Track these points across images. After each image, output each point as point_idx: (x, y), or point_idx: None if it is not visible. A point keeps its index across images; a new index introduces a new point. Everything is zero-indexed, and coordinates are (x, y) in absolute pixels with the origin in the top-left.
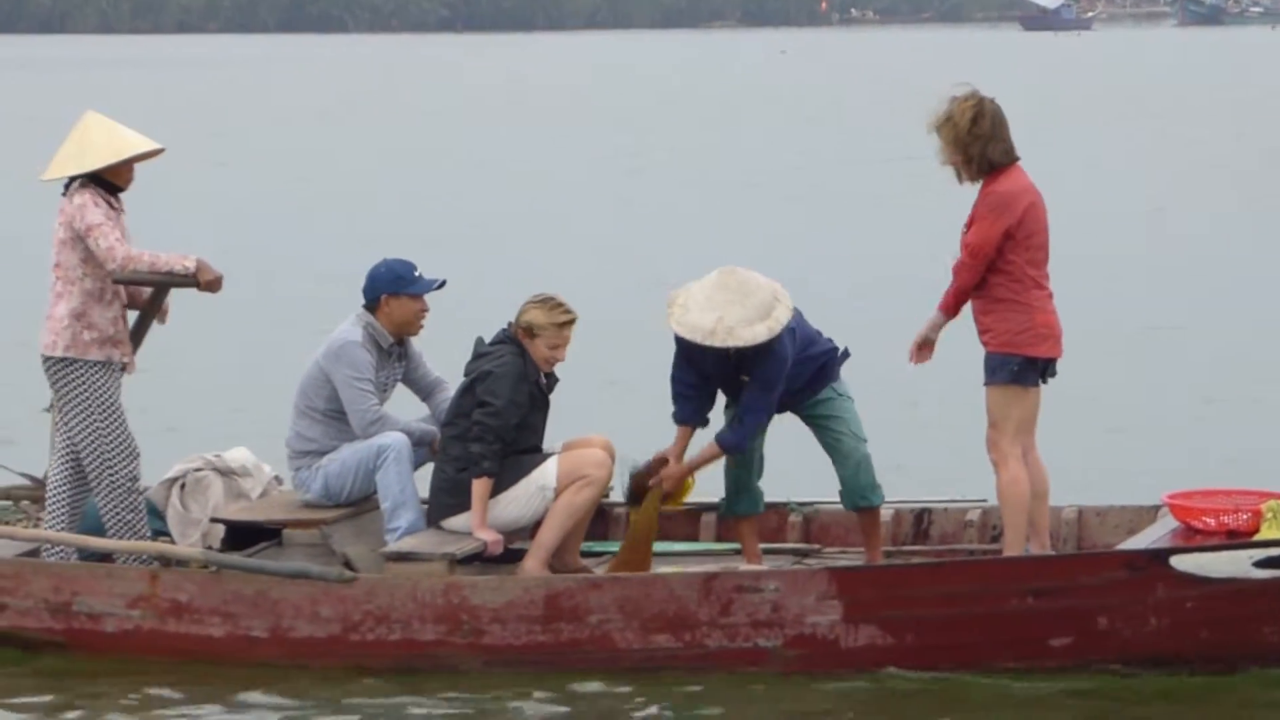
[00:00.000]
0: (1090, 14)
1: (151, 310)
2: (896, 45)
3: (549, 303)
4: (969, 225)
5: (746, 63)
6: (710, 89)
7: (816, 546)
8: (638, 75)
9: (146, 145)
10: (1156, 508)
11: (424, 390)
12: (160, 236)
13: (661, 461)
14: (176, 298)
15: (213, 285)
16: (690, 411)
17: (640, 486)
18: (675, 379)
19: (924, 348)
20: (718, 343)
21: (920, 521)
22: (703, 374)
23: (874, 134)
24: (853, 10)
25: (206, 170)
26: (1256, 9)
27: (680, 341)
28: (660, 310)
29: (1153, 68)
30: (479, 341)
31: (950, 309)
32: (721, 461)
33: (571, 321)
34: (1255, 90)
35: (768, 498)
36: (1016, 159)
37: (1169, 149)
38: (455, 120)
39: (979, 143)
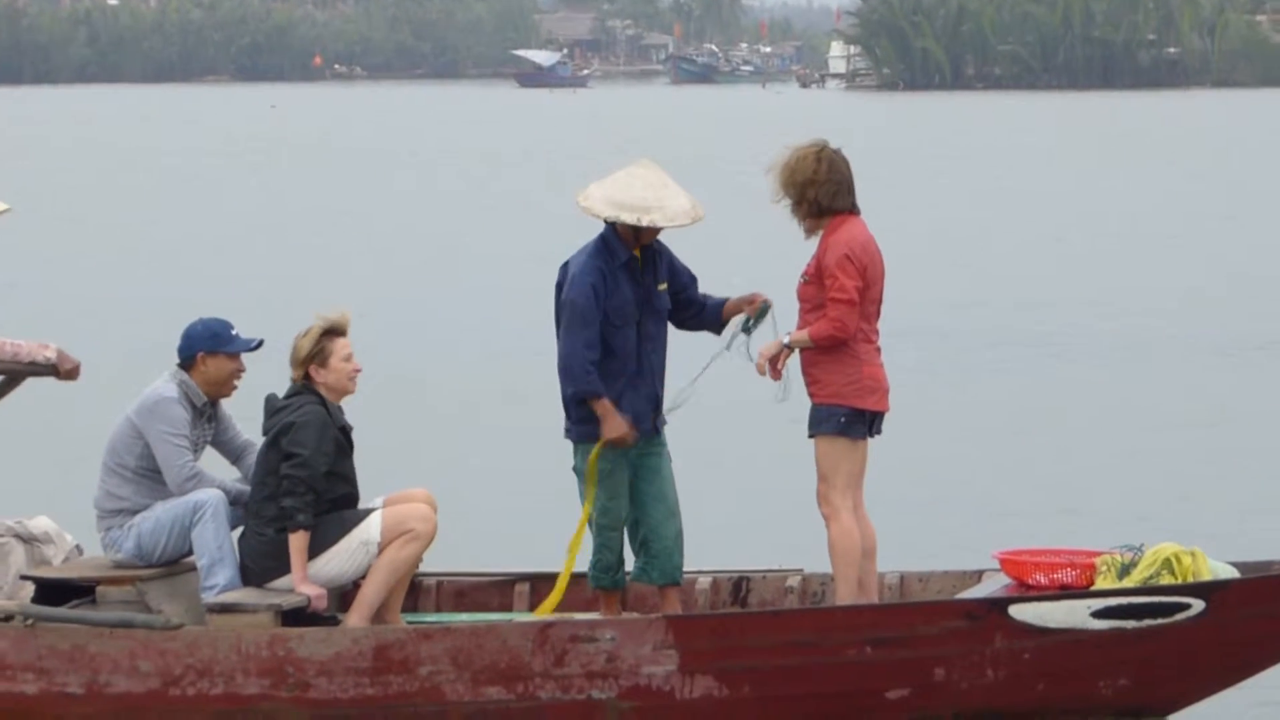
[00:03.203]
0: (586, 71)
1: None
2: (390, 101)
3: (310, 329)
4: (809, 275)
5: (236, 117)
6: (201, 144)
7: (634, 614)
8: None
9: None
10: (980, 572)
11: (233, 453)
12: None
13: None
14: None
15: (72, 374)
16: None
17: None
18: (588, 344)
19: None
20: (702, 214)
21: (739, 589)
22: (614, 312)
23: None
24: (337, 65)
25: None
26: (747, 68)
27: (594, 290)
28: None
29: (651, 122)
30: (271, 398)
31: (820, 340)
32: (600, 534)
33: (343, 325)
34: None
35: (581, 563)
36: (851, 208)
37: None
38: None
39: (813, 187)
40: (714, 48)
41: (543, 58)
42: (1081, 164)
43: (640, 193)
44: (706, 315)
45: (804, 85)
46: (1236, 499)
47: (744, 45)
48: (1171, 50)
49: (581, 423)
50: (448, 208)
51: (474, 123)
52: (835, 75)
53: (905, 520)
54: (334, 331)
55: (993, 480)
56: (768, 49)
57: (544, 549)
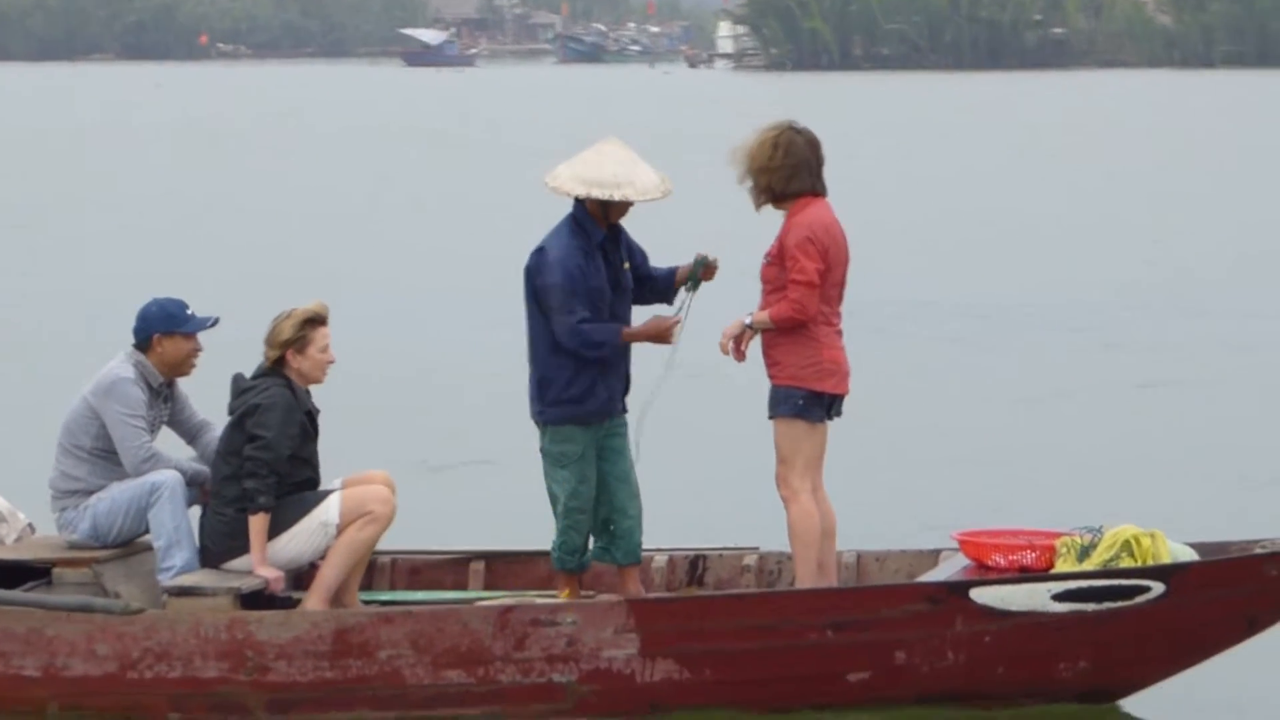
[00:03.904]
0: (473, 50)
1: None
2: (277, 80)
3: (292, 314)
4: (772, 256)
5: (121, 97)
6: (86, 122)
7: (591, 592)
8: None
9: None
10: (936, 552)
11: (190, 433)
12: None
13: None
14: None
15: None
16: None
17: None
18: (583, 320)
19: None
20: (671, 188)
21: (695, 567)
22: (593, 293)
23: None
24: (219, 45)
25: None
26: (635, 47)
27: (580, 270)
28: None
29: (539, 102)
30: (238, 378)
31: (780, 322)
32: (568, 516)
33: (325, 315)
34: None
35: (537, 542)
36: (814, 190)
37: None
38: None
39: (766, 175)
40: (601, 27)
41: (430, 36)
42: (978, 143)
43: (611, 169)
44: (659, 287)
45: (692, 65)
46: (1193, 479)
47: (631, 25)
48: (1058, 31)
49: (554, 405)
50: (347, 187)
51: (364, 101)
52: (723, 55)
53: (862, 499)
54: (317, 320)
55: (950, 459)
56: (655, 29)
57: (499, 527)
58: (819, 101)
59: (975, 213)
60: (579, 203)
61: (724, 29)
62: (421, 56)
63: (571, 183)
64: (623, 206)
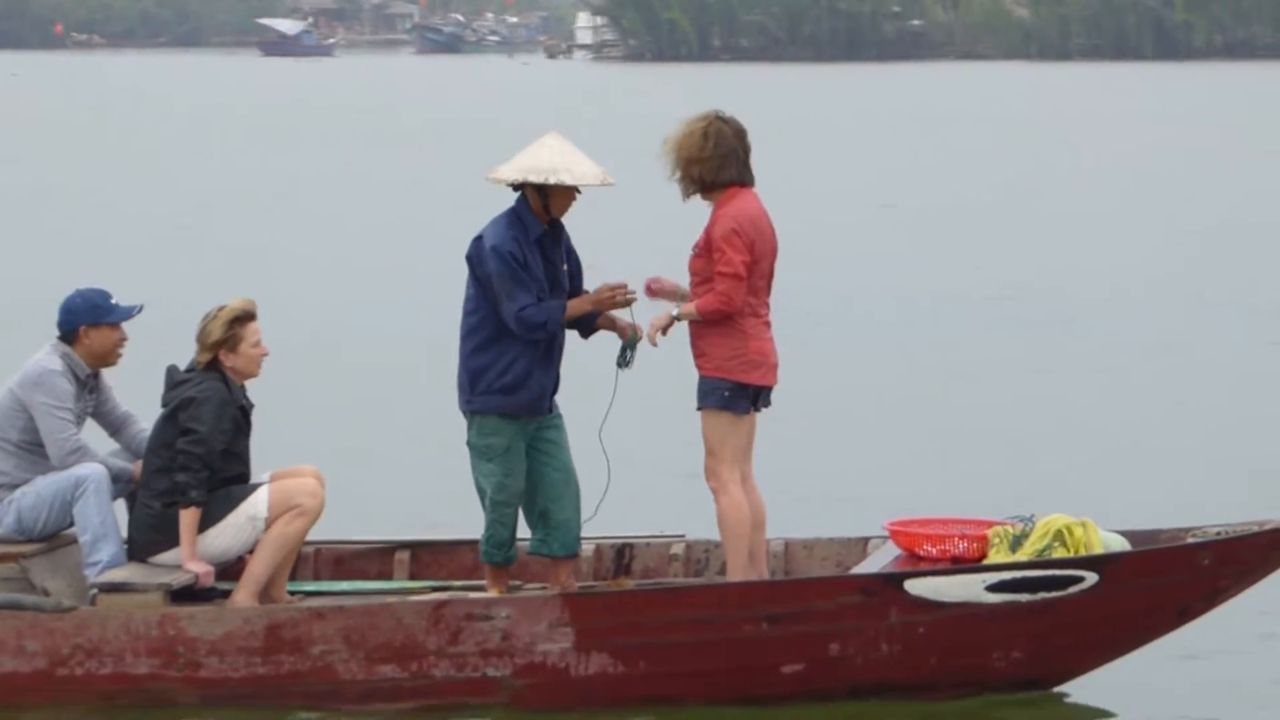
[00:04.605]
0: (331, 40)
1: None
2: (134, 69)
3: (220, 313)
4: (699, 247)
5: None
6: None
7: (519, 583)
8: None
9: None
10: (865, 540)
11: (114, 424)
12: None
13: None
14: None
15: None
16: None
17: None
18: (525, 306)
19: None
20: (612, 180)
21: (622, 556)
22: (534, 281)
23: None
24: (72, 34)
25: None
26: (494, 38)
27: (515, 258)
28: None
29: (394, 92)
30: (172, 370)
31: (707, 314)
32: (494, 509)
33: (254, 311)
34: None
35: (462, 531)
36: (741, 180)
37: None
38: None
39: (696, 165)
40: (459, 17)
41: (287, 26)
42: (843, 134)
43: (548, 158)
44: (582, 316)
45: (551, 56)
46: (1121, 467)
47: (489, 15)
48: (916, 23)
49: (483, 394)
50: (208, 178)
51: (222, 90)
52: (582, 46)
53: (789, 486)
54: (245, 317)
55: (878, 447)
56: (514, 19)
57: (423, 516)
58: (679, 93)
59: (850, 202)
60: (521, 197)
61: (583, 20)
62: (278, 46)
63: (508, 170)
64: (563, 199)
